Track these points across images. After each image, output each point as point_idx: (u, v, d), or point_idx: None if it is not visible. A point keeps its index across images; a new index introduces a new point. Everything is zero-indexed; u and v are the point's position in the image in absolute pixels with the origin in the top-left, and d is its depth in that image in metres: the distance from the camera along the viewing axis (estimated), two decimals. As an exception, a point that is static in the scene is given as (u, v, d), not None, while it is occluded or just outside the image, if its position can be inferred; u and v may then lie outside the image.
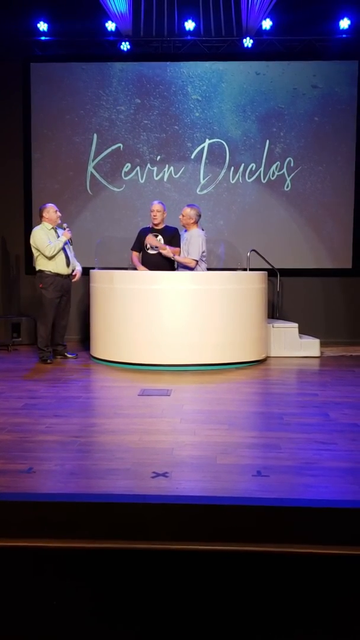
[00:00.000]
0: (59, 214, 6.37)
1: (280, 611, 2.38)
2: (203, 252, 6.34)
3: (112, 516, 2.42)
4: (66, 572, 2.38)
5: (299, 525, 2.44)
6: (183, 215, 6.43)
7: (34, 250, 6.29)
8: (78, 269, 6.46)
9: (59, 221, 6.38)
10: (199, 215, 6.45)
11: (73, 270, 6.40)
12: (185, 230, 6.48)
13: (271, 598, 2.37)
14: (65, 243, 6.32)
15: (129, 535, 2.36)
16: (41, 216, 6.38)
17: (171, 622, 2.40)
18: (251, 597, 2.38)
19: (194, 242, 6.27)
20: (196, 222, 6.42)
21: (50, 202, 6.64)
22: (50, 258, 6.20)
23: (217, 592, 2.35)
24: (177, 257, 6.34)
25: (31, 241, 6.29)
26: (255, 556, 2.34)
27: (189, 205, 6.54)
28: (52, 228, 6.34)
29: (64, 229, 6.38)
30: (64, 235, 6.31)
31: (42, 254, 6.20)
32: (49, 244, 6.18)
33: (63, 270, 6.27)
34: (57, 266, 6.24)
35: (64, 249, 6.29)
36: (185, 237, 6.44)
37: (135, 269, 6.59)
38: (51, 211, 6.34)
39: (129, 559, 2.35)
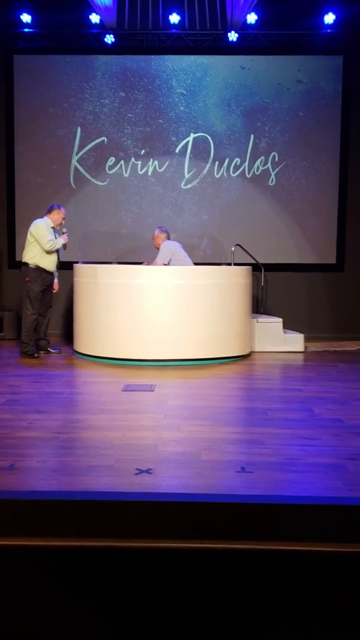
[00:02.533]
0: (64, 221, 6.46)
1: (265, 609, 2.37)
2: (171, 257, 6.42)
3: (95, 514, 2.40)
4: (49, 571, 2.35)
5: (283, 522, 2.43)
6: (153, 238, 6.65)
7: (29, 238, 6.26)
8: (56, 281, 6.53)
9: (64, 230, 6.48)
10: (168, 235, 6.65)
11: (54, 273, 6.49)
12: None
13: (256, 596, 2.36)
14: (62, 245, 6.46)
15: (112, 533, 2.33)
16: (48, 212, 6.41)
17: (155, 621, 2.39)
18: (236, 595, 2.37)
19: (160, 253, 6.44)
20: (165, 239, 6.59)
21: (32, 197, 6.60)
22: (48, 253, 6.26)
23: (202, 591, 2.33)
24: (151, 266, 6.42)
25: (32, 229, 6.27)
26: (240, 554, 2.33)
27: (158, 228, 6.73)
28: (53, 227, 6.37)
29: (63, 233, 6.46)
30: (62, 239, 6.40)
31: (40, 245, 6.20)
32: (51, 240, 6.23)
33: (51, 268, 6.34)
34: (49, 263, 6.28)
35: (58, 250, 6.39)
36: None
37: (120, 263, 6.56)
38: (60, 215, 6.41)
39: (113, 558, 2.33)
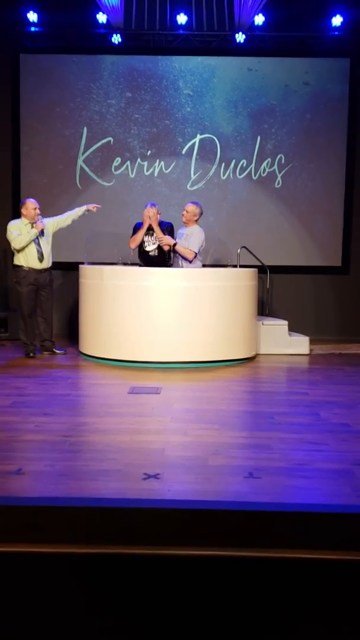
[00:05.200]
0: (37, 210, 6.26)
1: (273, 617, 2.37)
2: (201, 247, 6.34)
3: (105, 521, 2.39)
4: (57, 578, 2.35)
5: (292, 530, 2.42)
6: (187, 212, 6.38)
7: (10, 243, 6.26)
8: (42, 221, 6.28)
9: (38, 217, 6.26)
10: (201, 214, 6.45)
11: (50, 267, 6.33)
12: (184, 227, 6.43)
13: (264, 604, 2.35)
14: (39, 235, 6.22)
15: (122, 540, 2.33)
16: (20, 211, 6.34)
17: (164, 628, 2.38)
18: (244, 603, 2.36)
19: (195, 236, 6.26)
20: (197, 221, 6.41)
21: (38, 197, 6.57)
22: (19, 251, 6.17)
23: (210, 598, 2.33)
24: (178, 247, 6.25)
25: (6, 234, 6.26)
26: (249, 562, 2.32)
27: (192, 203, 6.50)
28: (30, 223, 6.26)
29: (37, 222, 6.23)
30: (35, 227, 6.20)
31: (11, 245, 6.19)
32: (18, 236, 6.13)
33: (35, 264, 6.21)
34: (29, 260, 6.19)
35: (37, 242, 6.21)
36: (184, 233, 6.38)
37: (126, 263, 6.54)
38: (30, 207, 6.26)
39: (123, 565, 2.32)
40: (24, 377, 5.36)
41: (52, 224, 6.42)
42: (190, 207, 6.40)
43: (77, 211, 6.52)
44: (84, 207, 6.52)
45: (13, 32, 7.54)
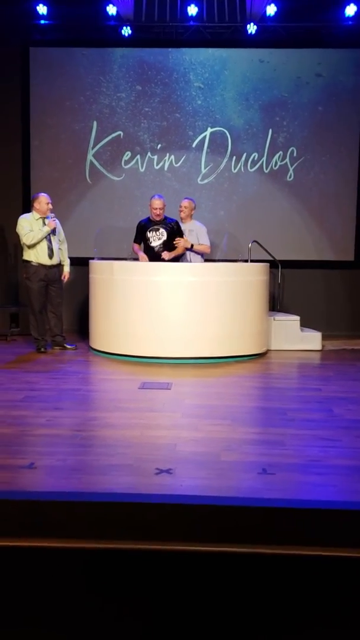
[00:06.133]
0: (50, 205, 6.25)
1: (287, 615, 2.33)
2: None
3: (116, 516, 2.36)
4: (68, 573, 2.32)
5: (307, 527, 2.38)
6: (186, 207, 6.58)
7: (20, 238, 6.24)
8: (66, 269, 6.38)
9: (49, 212, 6.25)
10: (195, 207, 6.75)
11: (59, 263, 6.31)
12: (180, 222, 6.57)
13: (278, 601, 2.31)
14: (51, 233, 6.21)
15: (133, 535, 2.30)
16: (32, 205, 6.31)
17: (174, 625, 2.35)
18: (258, 600, 2.33)
19: (202, 231, 6.54)
20: (192, 215, 6.68)
21: (48, 191, 6.54)
22: (30, 247, 6.14)
23: (223, 595, 2.29)
24: (195, 247, 6.45)
25: (16, 228, 6.23)
26: (262, 558, 2.28)
27: (187, 198, 6.73)
28: (41, 218, 6.24)
29: (50, 219, 6.23)
30: (48, 225, 6.19)
31: (21, 241, 6.16)
32: (29, 232, 6.10)
33: (45, 260, 6.19)
34: (38, 256, 6.18)
35: (48, 239, 6.19)
36: (186, 228, 6.51)
37: (136, 258, 6.52)
38: (43, 202, 6.24)
39: (133, 561, 2.29)
40: (35, 372, 5.35)
41: (59, 227, 6.38)
42: (188, 203, 6.63)
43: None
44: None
45: (23, 25, 7.50)
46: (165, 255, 6.26)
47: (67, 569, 2.37)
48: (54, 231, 6.24)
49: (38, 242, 6.14)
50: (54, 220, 6.25)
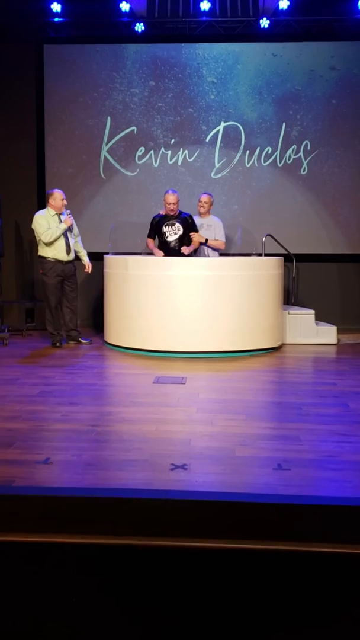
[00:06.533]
0: (65, 201, 6.30)
1: (303, 610, 2.34)
2: None
3: (132, 512, 2.38)
4: (84, 569, 2.35)
5: (322, 523, 2.38)
6: (205, 202, 6.61)
7: (35, 235, 6.28)
8: (86, 260, 6.45)
9: (64, 208, 6.30)
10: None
11: (75, 258, 6.37)
12: (197, 216, 6.58)
13: (295, 598, 2.32)
14: (67, 229, 6.27)
15: (149, 531, 2.32)
16: (47, 201, 6.34)
17: (190, 620, 2.37)
18: (273, 595, 2.34)
19: (220, 227, 6.59)
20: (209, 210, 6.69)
21: (62, 187, 6.58)
22: (48, 244, 6.18)
23: (240, 591, 2.31)
24: (210, 242, 6.47)
25: (32, 225, 6.27)
26: (278, 554, 2.29)
27: (206, 193, 6.74)
28: (56, 214, 6.27)
29: (66, 215, 6.29)
30: (65, 222, 6.24)
31: (40, 239, 6.20)
32: (47, 230, 6.15)
33: (63, 256, 6.26)
34: (57, 252, 6.23)
35: (65, 235, 6.24)
36: (203, 223, 6.51)
37: (150, 253, 6.54)
38: (58, 198, 6.28)
39: (149, 556, 2.31)
40: (51, 367, 5.39)
41: (73, 224, 6.41)
42: (207, 198, 6.65)
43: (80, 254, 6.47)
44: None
45: (37, 23, 7.53)
46: (185, 250, 6.24)
47: (83, 564, 2.40)
48: (70, 227, 6.29)
49: (56, 239, 6.19)
50: (70, 218, 6.29)
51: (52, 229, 6.17)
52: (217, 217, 6.73)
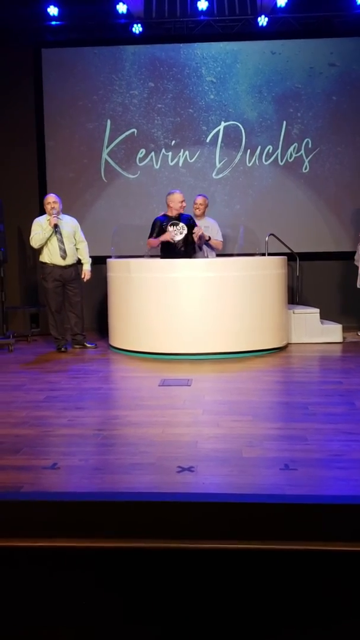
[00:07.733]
0: (53, 205, 6.18)
1: (312, 609, 2.32)
2: None
3: (140, 515, 2.38)
4: (93, 573, 2.34)
5: (330, 522, 2.37)
6: (201, 204, 6.61)
7: None
8: (86, 267, 6.39)
9: (53, 211, 6.21)
10: None
11: (75, 263, 6.32)
12: (196, 219, 6.56)
13: (302, 596, 2.31)
14: (56, 232, 6.18)
15: (157, 534, 2.31)
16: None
17: (197, 622, 2.36)
18: (282, 595, 2.32)
19: (217, 228, 6.63)
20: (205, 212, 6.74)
21: (64, 191, 6.60)
22: (39, 249, 6.24)
23: (248, 591, 2.30)
24: (212, 241, 6.50)
25: None
26: (287, 555, 2.28)
27: (201, 195, 6.75)
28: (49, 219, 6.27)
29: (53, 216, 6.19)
30: (48, 223, 6.17)
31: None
32: (34, 235, 6.20)
33: (58, 261, 6.23)
34: (52, 257, 6.24)
35: (60, 240, 6.20)
36: (202, 224, 6.51)
37: (153, 255, 6.53)
38: (45, 202, 6.32)
39: (158, 559, 2.30)
40: (56, 372, 5.39)
41: (74, 228, 6.36)
42: (202, 200, 6.66)
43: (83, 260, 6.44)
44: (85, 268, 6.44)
45: (34, 28, 7.54)
46: (197, 230, 6.19)
47: (92, 568, 2.39)
48: (57, 229, 6.18)
49: (45, 243, 6.19)
50: (55, 217, 6.19)
51: (39, 234, 6.18)
52: (214, 218, 6.76)
